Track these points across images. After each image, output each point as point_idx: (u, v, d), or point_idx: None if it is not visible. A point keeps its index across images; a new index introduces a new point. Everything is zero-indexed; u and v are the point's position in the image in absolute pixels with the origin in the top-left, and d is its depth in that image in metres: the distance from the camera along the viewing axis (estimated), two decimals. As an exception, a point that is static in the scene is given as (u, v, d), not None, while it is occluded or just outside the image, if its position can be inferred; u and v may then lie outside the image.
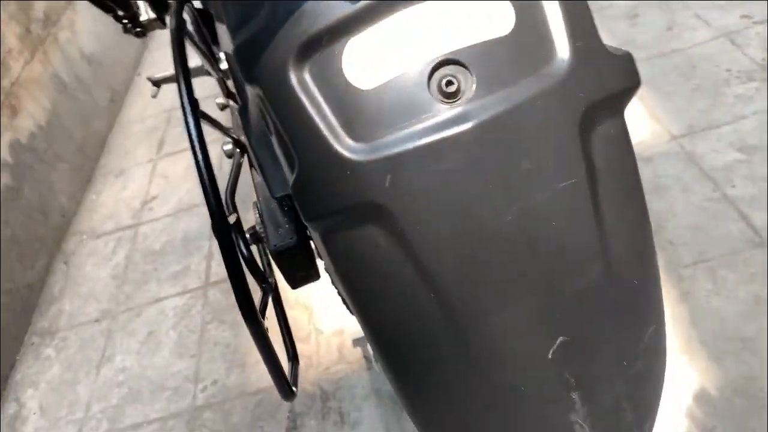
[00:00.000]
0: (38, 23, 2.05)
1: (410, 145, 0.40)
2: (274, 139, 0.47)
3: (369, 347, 1.24)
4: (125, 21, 0.96)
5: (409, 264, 0.42)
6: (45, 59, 2.05)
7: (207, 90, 1.28)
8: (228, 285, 0.58)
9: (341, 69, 0.42)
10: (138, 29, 0.98)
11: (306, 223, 0.45)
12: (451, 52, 0.41)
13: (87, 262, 1.74)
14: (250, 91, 0.48)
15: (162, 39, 2.57)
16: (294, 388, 0.69)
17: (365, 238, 0.43)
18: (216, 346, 1.36)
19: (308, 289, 1.37)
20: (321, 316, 1.32)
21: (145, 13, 0.98)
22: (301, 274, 0.82)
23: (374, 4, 0.41)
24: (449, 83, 0.40)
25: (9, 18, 1.88)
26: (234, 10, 0.48)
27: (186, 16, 0.74)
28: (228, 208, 0.83)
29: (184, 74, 0.57)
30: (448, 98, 0.41)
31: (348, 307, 1.08)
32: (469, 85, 0.41)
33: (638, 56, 1.68)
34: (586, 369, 0.45)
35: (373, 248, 0.43)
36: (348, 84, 0.42)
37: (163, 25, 1.02)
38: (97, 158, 2.19)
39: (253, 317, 0.58)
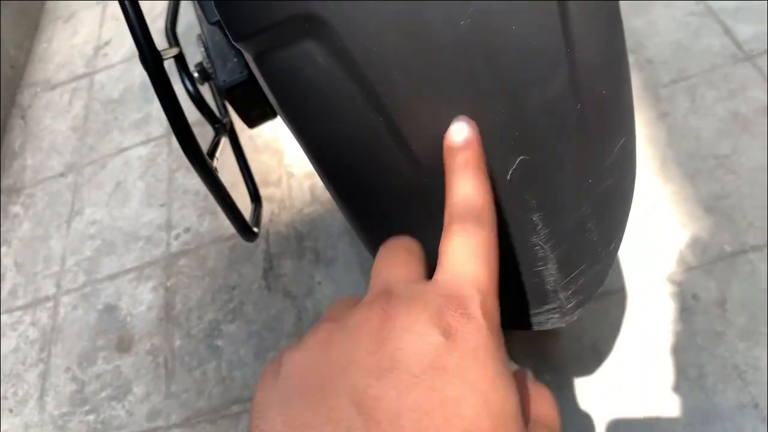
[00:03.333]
0: None
1: (344, -59, 0.34)
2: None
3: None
4: None
5: (352, 82, 0.37)
6: None
7: None
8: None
9: None
10: None
11: (235, 45, 0.40)
12: None
13: (45, 115, 1.66)
14: None
15: None
16: (255, 229, 0.66)
17: (302, 56, 0.37)
18: (185, 194, 1.34)
19: (277, 132, 1.33)
20: (292, 158, 1.28)
21: None
22: (257, 112, 0.77)
23: None
24: None
25: None
26: None
27: None
28: (170, 41, 0.76)
29: None
30: None
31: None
32: None
33: None
34: (548, 189, 0.41)
35: (311, 67, 0.38)
36: None
37: None
38: (42, 1, 2.03)
39: (197, 156, 0.54)
